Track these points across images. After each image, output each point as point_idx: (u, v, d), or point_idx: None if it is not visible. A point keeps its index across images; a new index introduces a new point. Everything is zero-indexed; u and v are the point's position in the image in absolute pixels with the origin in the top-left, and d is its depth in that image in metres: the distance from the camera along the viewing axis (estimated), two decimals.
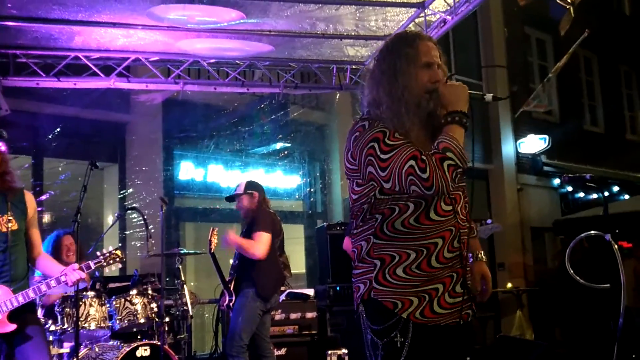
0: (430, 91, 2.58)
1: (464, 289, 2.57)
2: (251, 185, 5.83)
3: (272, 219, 5.74)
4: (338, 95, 9.93)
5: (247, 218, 5.83)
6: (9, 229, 3.94)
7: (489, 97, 2.58)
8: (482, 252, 2.92)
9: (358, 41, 7.23)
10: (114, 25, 6.33)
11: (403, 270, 2.51)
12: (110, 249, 4.35)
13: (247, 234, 5.66)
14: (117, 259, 4.34)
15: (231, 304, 5.59)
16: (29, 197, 4.18)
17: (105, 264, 4.30)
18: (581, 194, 14.30)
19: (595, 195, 13.40)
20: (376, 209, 2.57)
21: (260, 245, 5.47)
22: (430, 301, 2.51)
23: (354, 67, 7.97)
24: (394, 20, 6.71)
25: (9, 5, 5.82)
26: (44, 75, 6.89)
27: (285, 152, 10.40)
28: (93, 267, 4.20)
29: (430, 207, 2.52)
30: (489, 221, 6.77)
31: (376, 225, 2.56)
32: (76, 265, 4.04)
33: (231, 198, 5.95)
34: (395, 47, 2.68)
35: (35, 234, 4.21)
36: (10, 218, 3.97)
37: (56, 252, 5.50)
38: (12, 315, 3.85)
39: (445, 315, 2.53)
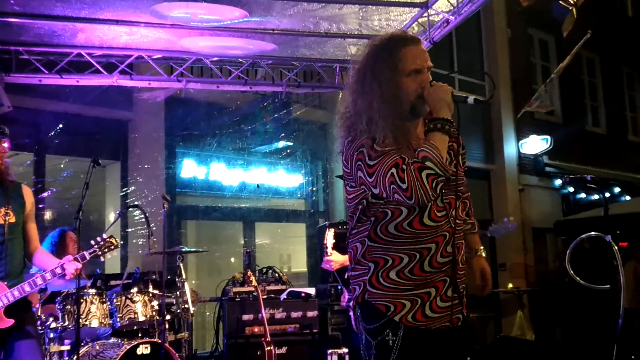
0: (421, 96, 2.53)
1: (456, 294, 2.57)
2: None
3: None
4: (340, 94, 9.90)
5: None
6: (7, 222, 3.90)
7: (471, 99, 2.54)
8: (482, 247, 2.92)
9: (361, 40, 7.22)
10: (117, 22, 6.33)
11: (396, 274, 2.52)
12: (105, 236, 4.21)
13: None
14: (112, 247, 4.22)
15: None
16: (27, 191, 4.15)
17: (100, 252, 4.17)
18: (582, 195, 14.31)
19: (596, 196, 13.39)
20: (370, 211, 2.57)
21: None
22: (422, 305, 2.51)
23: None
24: (397, 20, 6.71)
25: (12, 1, 5.82)
26: (46, 72, 6.88)
27: (288, 151, 10.40)
28: (88, 257, 4.09)
29: (424, 213, 2.51)
30: (505, 219, 6.74)
31: (370, 227, 2.56)
32: (71, 257, 3.99)
33: None
34: (378, 55, 2.60)
35: (32, 229, 4.16)
36: (9, 211, 3.93)
37: (62, 248, 5.47)
38: (8, 311, 3.80)
39: (436, 319, 2.53)
